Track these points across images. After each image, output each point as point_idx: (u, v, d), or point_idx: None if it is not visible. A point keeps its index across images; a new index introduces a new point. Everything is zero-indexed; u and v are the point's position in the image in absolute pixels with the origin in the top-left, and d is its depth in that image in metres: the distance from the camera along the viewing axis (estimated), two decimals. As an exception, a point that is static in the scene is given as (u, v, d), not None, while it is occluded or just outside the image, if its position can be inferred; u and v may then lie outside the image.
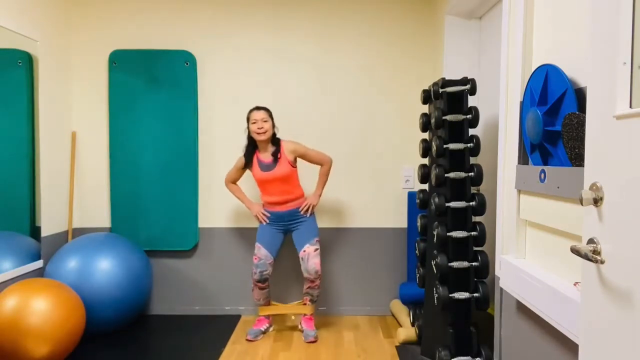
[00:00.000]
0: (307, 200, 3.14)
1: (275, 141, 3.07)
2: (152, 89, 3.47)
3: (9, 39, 2.86)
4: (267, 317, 3.24)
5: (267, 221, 3.13)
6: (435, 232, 2.54)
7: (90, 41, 3.52)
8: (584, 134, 1.38)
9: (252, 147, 3.11)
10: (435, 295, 2.55)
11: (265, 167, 3.04)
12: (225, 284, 3.59)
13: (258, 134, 3.00)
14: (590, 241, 1.10)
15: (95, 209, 3.57)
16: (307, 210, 3.11)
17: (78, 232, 3.51)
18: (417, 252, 2.84)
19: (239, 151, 3.49)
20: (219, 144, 3.56)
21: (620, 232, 1.02)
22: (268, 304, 3.22)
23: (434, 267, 2.56)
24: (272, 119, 3.06)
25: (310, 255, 3.05)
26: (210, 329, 3.29)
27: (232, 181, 3.22)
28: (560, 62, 1.63)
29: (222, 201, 3.56)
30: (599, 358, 1.11)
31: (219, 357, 2.82)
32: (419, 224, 2.86)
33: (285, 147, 3.06)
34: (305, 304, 3.20)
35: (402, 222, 3.57)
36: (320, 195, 3.19)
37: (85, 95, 3.54)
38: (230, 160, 3.52)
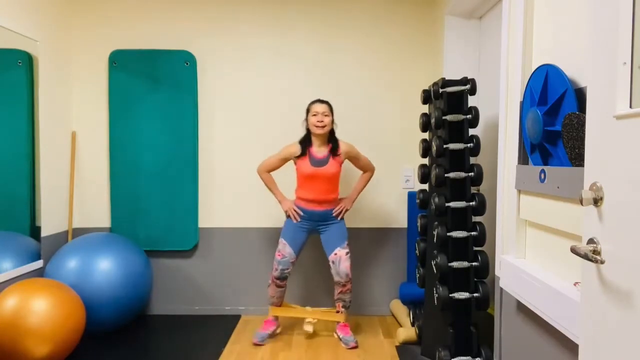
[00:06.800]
0: (342, 203, 3.08)
1: (332, 138, 3.01)
2: (152, 88, 3.47)
3: (9, 39, 2.86)
4: (276, 318, 3.14)
5: (299, 219, 3.03)
6: (435, 232, 2.54)
7: (90, 41, 3.52)
8: (584, 134, 1.38)
9: (309, 139, 3.00)
10: (435, 295, 2.54)
11: (317, 163, 2.95)
12: (225, 284, 3.59)
13: (317, 126, 2.91)
14: (590, 241, 1.10)
15: (95, 209, 3.56)
16: (340, 213, 3.07)
17: (78, 232, 3.51)
18: (417, 252, 2.84)
19: (239, 151, 3.50)
20: (219, 143, 3.55)
21: (620, 232, 1.02)
22: (280, 304, 3.12)
23: (434, 267, 2.56)
24: (332, 114, 3.00)
25: (342, 259, 2.98)
26: (210, 329, 3.29)
27: (269, 170, 3.06)
28: (560, 62, 1.63)
29: (222, 201, 3.56)
30: (599, 358, 1.11)
31: (219, 357, 2.82)
32: (419, 224, 2.86)
33: (341, 147, 3.00)
34: (338, 312, 3.09)
35: (402, 222, 3.57)
36: (354, 201, 3.14)
37: (85, 95, 3.54)
38: (230, 161, 3.53)
